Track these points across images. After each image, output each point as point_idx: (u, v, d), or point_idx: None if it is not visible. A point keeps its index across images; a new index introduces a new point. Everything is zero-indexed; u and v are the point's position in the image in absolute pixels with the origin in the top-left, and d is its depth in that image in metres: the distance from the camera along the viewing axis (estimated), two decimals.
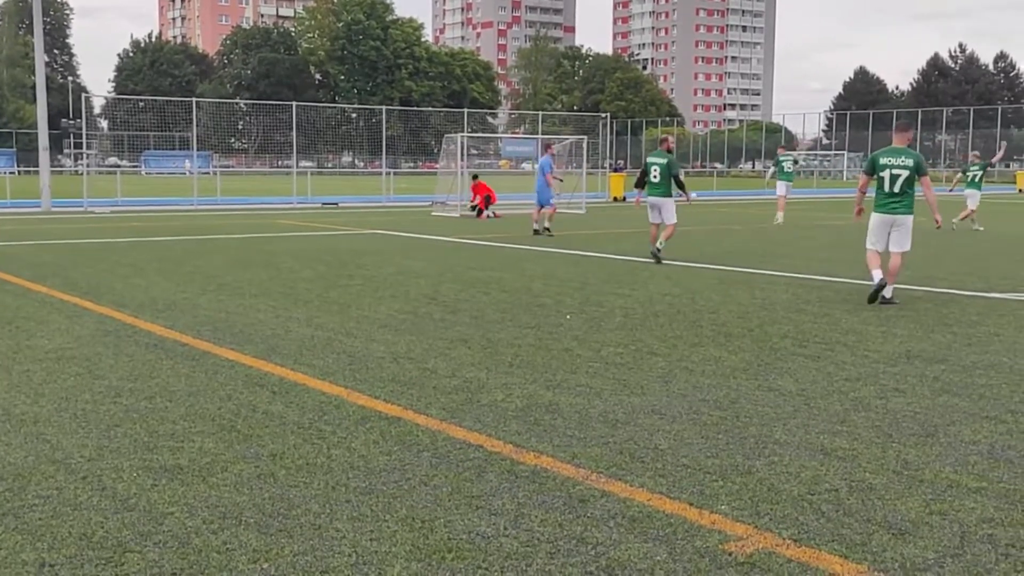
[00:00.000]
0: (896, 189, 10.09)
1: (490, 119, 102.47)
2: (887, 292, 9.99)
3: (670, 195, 14.78)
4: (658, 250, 14.11)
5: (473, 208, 26.70)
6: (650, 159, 14.87)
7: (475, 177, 27.70)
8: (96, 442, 5.05)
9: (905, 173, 10.05)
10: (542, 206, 20.07)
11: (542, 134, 42.78)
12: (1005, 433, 5.36)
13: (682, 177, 15.00)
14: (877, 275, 10.10)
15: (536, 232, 19.63)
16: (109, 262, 13.84)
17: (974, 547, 3.78)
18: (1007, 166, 78.13)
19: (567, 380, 6.53)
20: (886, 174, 10.12)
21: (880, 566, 3.60)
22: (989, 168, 24.57)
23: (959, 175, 25.79)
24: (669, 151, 14.95)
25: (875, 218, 10.33)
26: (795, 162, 27.92)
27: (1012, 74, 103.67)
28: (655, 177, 14.66)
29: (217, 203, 32.62)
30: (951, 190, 26.32)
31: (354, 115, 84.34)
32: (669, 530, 3.92)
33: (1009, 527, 3.99)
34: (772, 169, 27.14)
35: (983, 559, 3.67)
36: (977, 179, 22.23)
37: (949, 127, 78.59)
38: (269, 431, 5.28)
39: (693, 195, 13.82)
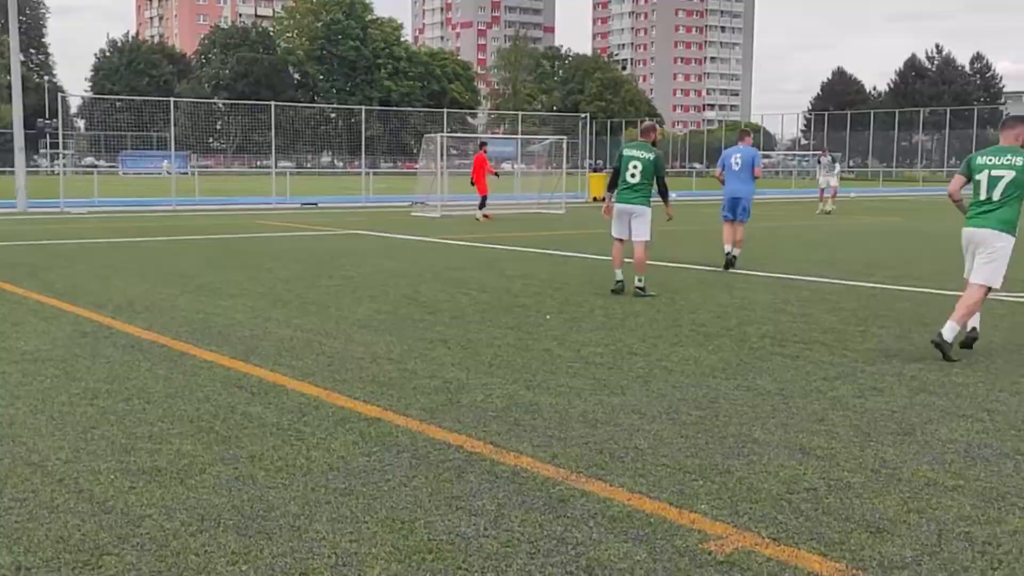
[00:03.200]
0: (996, 195, 7.34)
1: (470, 119, 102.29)
2: (947, 334, 7.32)
3: (649, 203, 10.93)
4: (641, 289, 10.66)
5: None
6: (628, 151, 10.90)
7: (482, 145, 25.93)
8: (73, 444, 5.01)
9: (1011, 175, 7.31)
10: (741, 220, 13.94)
11: (522, 134, 42.80)
12: (982, 431, 5.40)
13: (666, 181, 11.12)
14: (972, 320, 7.59)
15: (730, 263, 13.56)
16: (86, 263, 13.74)
17: (951, 545, 3.80)
18: None
19: (547, 380, 6.53)
20: (983, 176, 7.42)
21: (858, 564, 3.62)
22: None
23: None
24: (654, 144, 11.13)
25: (962, 233, 7.68)
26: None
27: (988, 75, 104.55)
28: (633, 176, 10.74)
29: (196, 203, 32.42)
30: None
31: (333, 115, 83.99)
32: (649, 530, 3.93)
33: (986, 525, 4.02)
34: (838, 167, 28.32)
35: (960, 557, 3.70)
36: None
37: (926, 128, 79.18)
38: (248, 432, 5.25)
39: (672, 196, 10.27)
